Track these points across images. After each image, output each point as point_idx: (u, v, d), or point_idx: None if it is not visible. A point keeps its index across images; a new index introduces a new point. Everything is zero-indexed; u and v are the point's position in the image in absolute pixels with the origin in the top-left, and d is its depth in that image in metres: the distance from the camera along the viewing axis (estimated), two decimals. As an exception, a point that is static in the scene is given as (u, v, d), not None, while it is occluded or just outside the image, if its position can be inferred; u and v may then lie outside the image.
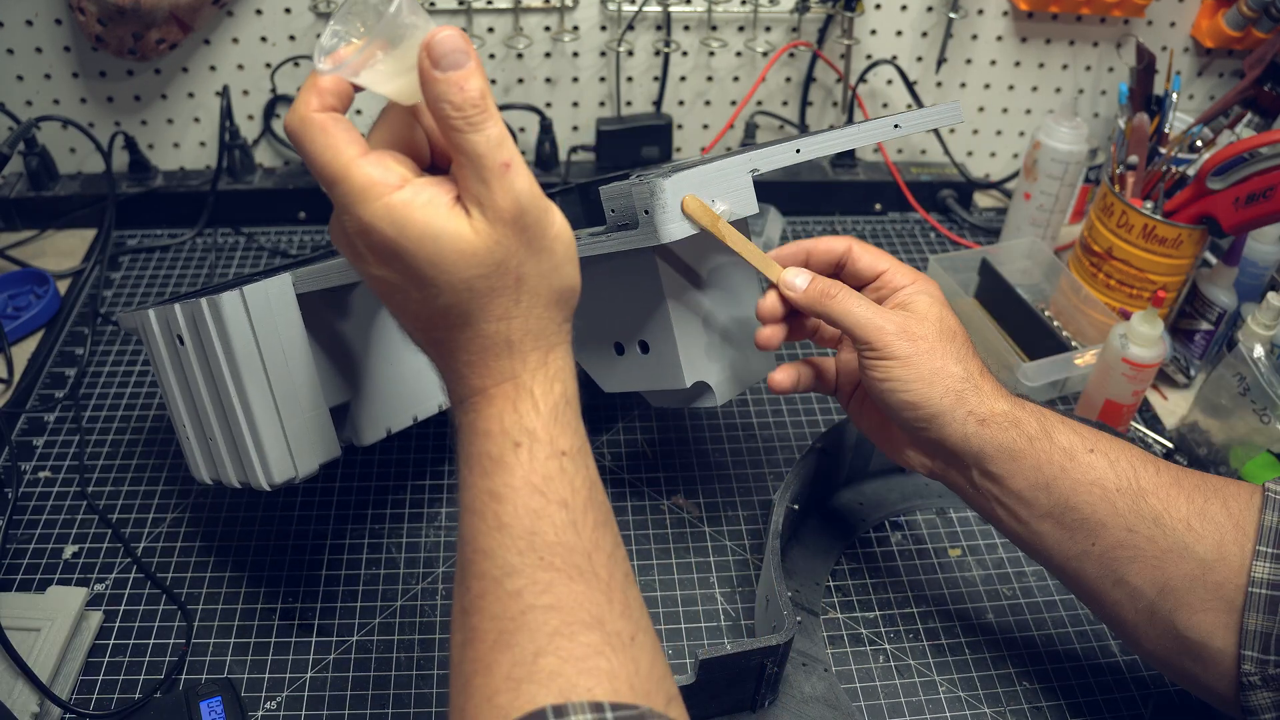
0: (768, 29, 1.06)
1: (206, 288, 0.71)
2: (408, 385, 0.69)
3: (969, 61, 1.10)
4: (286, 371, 0.58)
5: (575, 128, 1.12)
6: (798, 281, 0.57)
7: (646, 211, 0.54)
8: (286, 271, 0.59)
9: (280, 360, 0.58)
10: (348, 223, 0.40)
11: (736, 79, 1.09)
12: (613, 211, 0.57)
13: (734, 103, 1.10)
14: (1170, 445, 0.81)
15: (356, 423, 0.67)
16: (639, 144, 1.08)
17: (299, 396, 0.59)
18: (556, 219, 0.42)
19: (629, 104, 1.10)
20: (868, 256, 0.58)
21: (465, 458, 0.43)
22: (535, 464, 0.41)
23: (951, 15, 1.04)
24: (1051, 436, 0.54)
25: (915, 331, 0.54)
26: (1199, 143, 0.90)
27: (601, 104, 1.10)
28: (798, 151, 0.60)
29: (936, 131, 1.10)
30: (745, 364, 0.67)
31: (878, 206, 1.12)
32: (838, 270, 0.60)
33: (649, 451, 0.81)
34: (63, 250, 1.02)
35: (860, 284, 0.59)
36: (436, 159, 0.44)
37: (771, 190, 1.08)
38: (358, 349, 0.67)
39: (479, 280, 0.40)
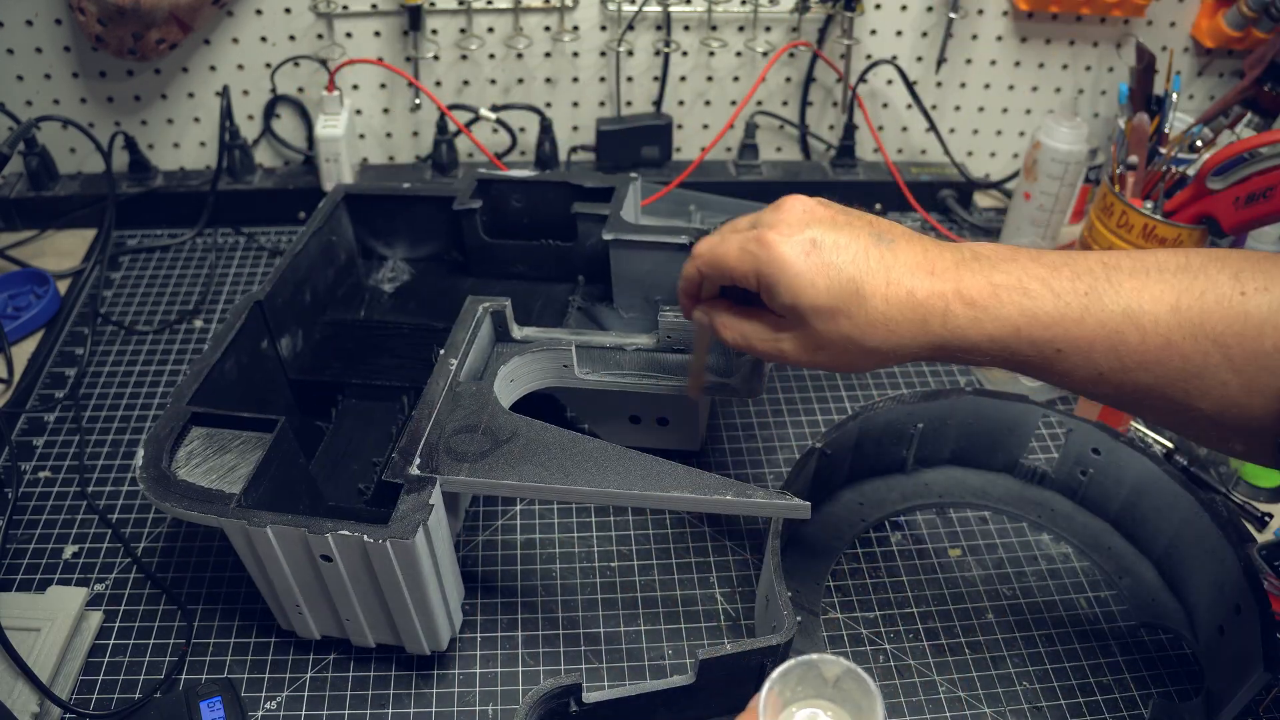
0: (768, 29, 1.06)
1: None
2: None
3: (969, 61, 1.10)
4: (447, 555, 0.59)
5: (575, 128, 1.12)
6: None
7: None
8: (435, 483, 0.58)
9: (444, 550, 0.59)
10: None
11: (736, 79, 1.09)
12: (669, 337, 0.68)
13: (734, 103, 1.10)
14: (1170, 445, 0.81)
15: None
16: (639, 144, 1.08)
17: (449, 568, 0.60)
18: None
19: (629, 104, 1.10)
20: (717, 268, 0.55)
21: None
22: None
23: (951, 15, 1.04)
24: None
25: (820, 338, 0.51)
26: (1199, 143, 0.90)
27: (601, 104, 1.10)
28: None
29: (936, 131, 1.10)
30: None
31: (878, 206, 1.11)
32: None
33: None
34: (63, 250, 1.02)
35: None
36: None
37: (770, 189, 1.08)
38: None
39: None
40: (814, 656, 0.43)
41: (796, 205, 0.52)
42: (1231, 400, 0.45)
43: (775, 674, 0.42)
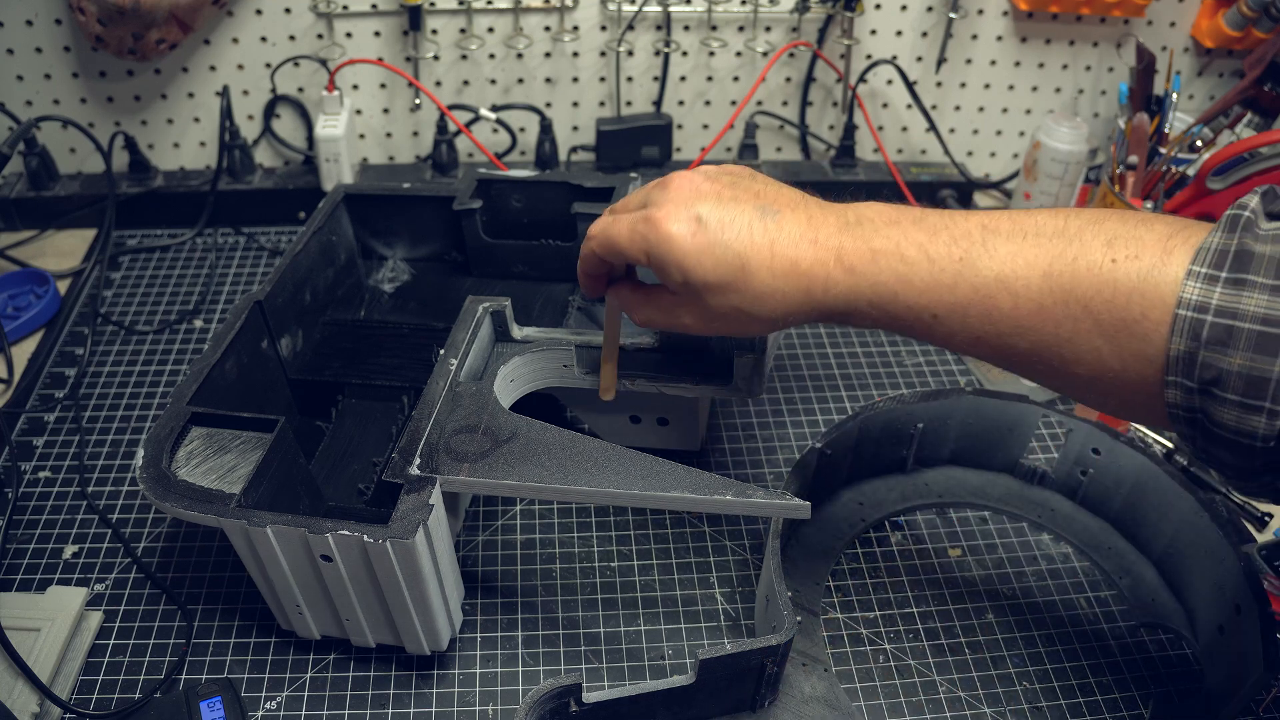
0: (768, 29, 1.06)
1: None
2: None
3: (969, 61, 1.10)
4: (447, 555, 0.59)
5: (575, 128, 1.12)
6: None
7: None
8: (435, 483, 0.57)
9: (444, 550, 0.59)
10: None
11: (736, 79, 1.09)
12: (669, 337, 0.67)
13: (734, 103, 1.10)
14: (1170, 445, 0.81)
15: None
16: (639, 144, 1.08)
17: (449, 568, 0.60)
18: None
19: (629, 104, 1.10)
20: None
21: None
22: None
23: (951, 15, 1.04)
24: None
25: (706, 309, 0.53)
26: (1199, 143, 0.90)
27: (601, 104, 1.10)
28: None
29: (936, 131, 1.10)
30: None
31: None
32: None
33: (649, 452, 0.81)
34: (63, 250, 1.02)
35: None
36: None
37: (771, 190, 1.08)
38: None
39: None
40: None
41: (684, 183, 0.53)
42: (1105, 365, 0.45)
43: None
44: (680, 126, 1.12)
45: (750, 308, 0.51)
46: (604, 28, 1.05)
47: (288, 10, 1.01)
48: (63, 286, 0.97)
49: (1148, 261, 0.43)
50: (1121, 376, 0.45)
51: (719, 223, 0.50)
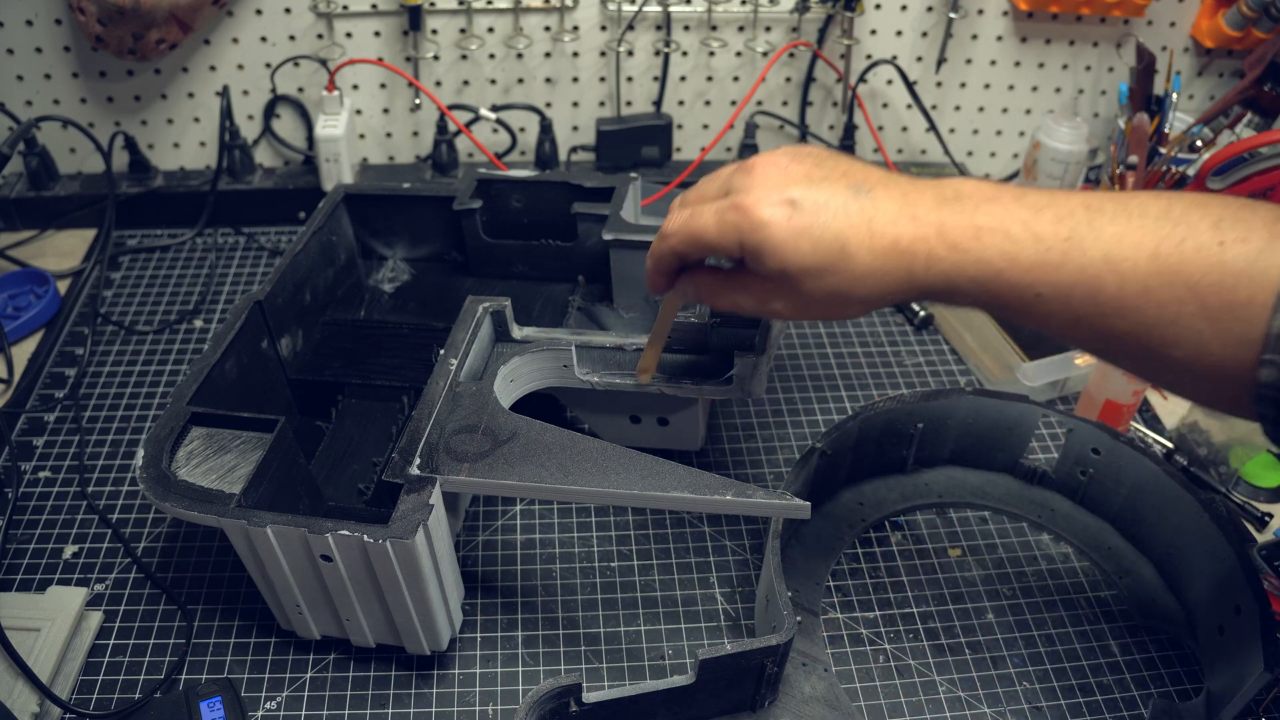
0: (768, 29, 1.06)
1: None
2: None
3: (969, 61, 1.10)
4: (447, 555, 0.59)
5: (575, 128, 1.12)
6: None
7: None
8: (435, 483, 0.58)
9: (444, 550, 0.59)
10: None
11: (736, 79, 1.09)
12: (670, 337, 0.66)
13: (734, 103, 1.10)
14: (1170, 445, 0.81)
15: None
16: (639, 144, 1.08)
17: (449, 568, 0.60)
18: None
19: (629, 104, 1.10)
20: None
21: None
22: None
23: (951, 15, 1.04)
24: None
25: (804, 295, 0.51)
26: (1199, 143, 0.90)
27: (601, 104, 1.10)
28: None
29: (936, 131, 1.10)
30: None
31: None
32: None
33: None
34: (63, 250, 1.02)
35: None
36: None
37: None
38: None
39: None
40: None
41: (770, 166, 0.51)
42: (1204, 349, 0.45)
43: None
44: (680, 126, 1.12)
45: (849, 290, 0.50)
46: (604, 28, 1.05)
47: (288, 10, 1.01)
48: (63, 286, 0.97)
49: (1256, 244, 0.43)
50: (1219, 360, 0.44)
51: (814, 205, 0.49)
